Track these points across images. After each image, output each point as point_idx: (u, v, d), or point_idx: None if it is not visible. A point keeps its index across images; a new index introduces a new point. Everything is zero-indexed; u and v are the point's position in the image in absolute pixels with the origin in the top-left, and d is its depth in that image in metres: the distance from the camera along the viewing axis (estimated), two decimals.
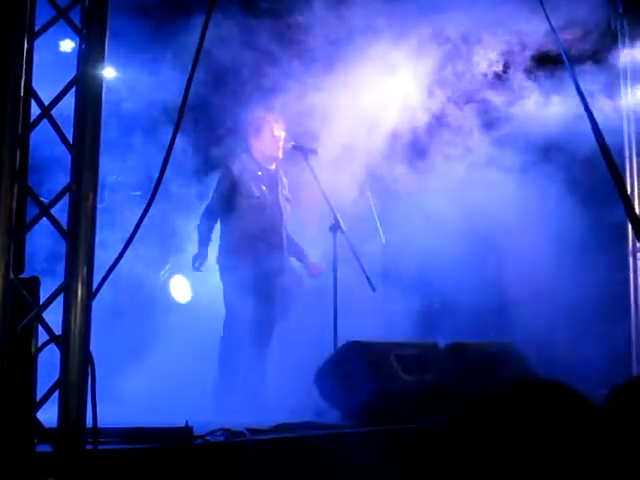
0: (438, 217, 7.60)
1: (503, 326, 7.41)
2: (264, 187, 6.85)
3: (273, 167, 6.94)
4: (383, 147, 7.52)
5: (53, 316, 3.53)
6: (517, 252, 8.46)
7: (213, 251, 6.82)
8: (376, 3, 6.95)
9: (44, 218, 3.56)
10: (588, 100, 4.20)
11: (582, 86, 4.25)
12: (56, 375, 3.47)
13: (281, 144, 6.85)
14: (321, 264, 6.98)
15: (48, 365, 3.56)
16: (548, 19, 4.11)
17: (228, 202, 6.71)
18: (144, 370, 6.55)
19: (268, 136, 6.82)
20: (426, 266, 7.61)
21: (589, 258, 8.04)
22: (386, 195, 7.86)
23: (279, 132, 6.84)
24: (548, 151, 7.84)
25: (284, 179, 7.01)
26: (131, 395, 6.17)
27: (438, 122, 7.78)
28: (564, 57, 4.24)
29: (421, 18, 6.95)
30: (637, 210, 8.07)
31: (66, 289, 3.49)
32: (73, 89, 3.65)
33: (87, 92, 3.60)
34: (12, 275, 3.46)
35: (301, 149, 6.81)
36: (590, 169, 6.82)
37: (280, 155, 6.90)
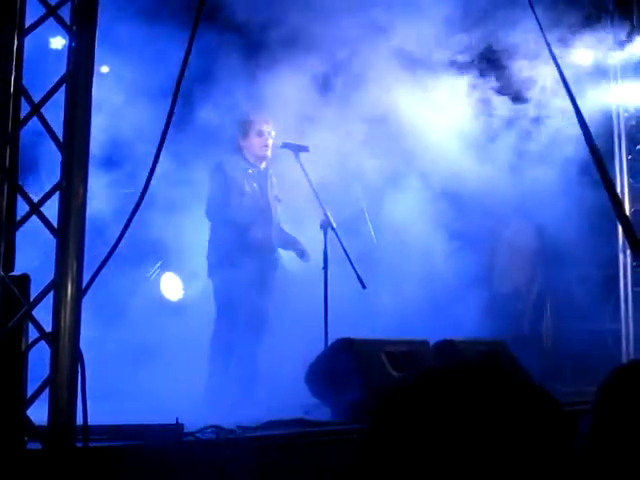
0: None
1: (492, 321, 7.42)
2: (255, 185, 6.87)
3: (263, 166, 6.96)
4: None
5: (44, 314, 3.53)
6: (507, 246, 8.49)
7: (203, 251, 6.83)
8: None
9: None
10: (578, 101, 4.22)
11: (573, 89, 4.26)
12: (46, 372, 3.48)
13: (270, 143, 6.87)
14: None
15: (38, 362, 3.56)
16: (537, 19, 4.12)
17: (223, 193, 6.72)
18: (134, 368, 6.54)
19: (255, 136, 6.85)
20: (417, 262, 7.63)
21: (579, 253, 8.07)
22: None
23: (268, 131, 6.86)
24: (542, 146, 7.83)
25: (274, 179, 7.02)
26: (121, 392, 6.17)
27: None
28: (553, 60, 4.25)
29: None
30: (627, 209, 8.11)
31: (56, 286, 3.49)
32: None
33: (77, 90, 3.60)
34: (2, 272, 3.47)
35: (291, 147, 6.82)
36: (582, 163, 6.82)
37: (269, 154, 6.92)
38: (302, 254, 6.99)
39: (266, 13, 7.10)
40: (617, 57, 8.18)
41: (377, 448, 1.22)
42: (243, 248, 6.59)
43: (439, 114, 7.52)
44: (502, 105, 7.74)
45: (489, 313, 7.59)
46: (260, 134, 6.86)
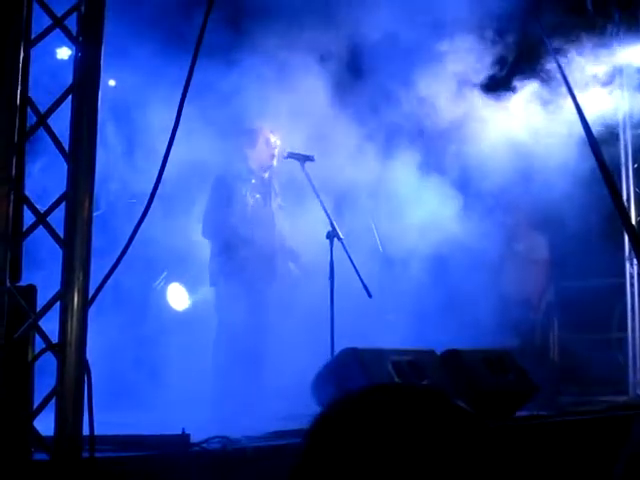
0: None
1: (499, 330, 7.40)
2: (258, 195, 6.87)
3: (267, 175, 6.97)
4: None
5: (51, 324, 3.53)
6: (520, 257, 8.47)
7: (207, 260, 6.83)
8: None
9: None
10: (583, 109, 4.21)
11: (578, 96, 4.26)
12: (53, 383, 3.47)
13: (276, 152, 6.88)
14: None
15: (45, 373, 3.56)
16: (541, 27, 4.12)
17: (222, 209, 6.73)
18: (141, 378, 6.54)
19: (263, 145, 6.87)
20: (425, 270, 7.62)
21: (586, 262, 8.05)
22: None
23: (274, 141, 6.87)
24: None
25: (276, 186, 7.03)
26: (128, 403, 6.17)
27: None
28: (559, 67, 4.25)
29: None
30: (633, 218, 8.10)
31: (62, 297, 3.49)
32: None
33: (83, 100, 3.61)
34: (9, 283, 3.46)
35: (297, 156, 6.81)
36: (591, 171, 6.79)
37: (275, 163, 6.93)
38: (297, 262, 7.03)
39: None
40: (625, 64, 8.18)
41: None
42: (244, 257, 6.60)
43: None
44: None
45: (499, 322, 7.57)
46: (267, 143, 6.88)
